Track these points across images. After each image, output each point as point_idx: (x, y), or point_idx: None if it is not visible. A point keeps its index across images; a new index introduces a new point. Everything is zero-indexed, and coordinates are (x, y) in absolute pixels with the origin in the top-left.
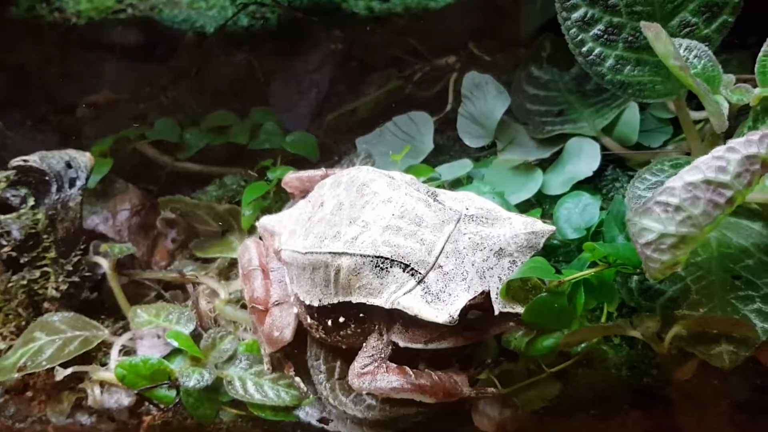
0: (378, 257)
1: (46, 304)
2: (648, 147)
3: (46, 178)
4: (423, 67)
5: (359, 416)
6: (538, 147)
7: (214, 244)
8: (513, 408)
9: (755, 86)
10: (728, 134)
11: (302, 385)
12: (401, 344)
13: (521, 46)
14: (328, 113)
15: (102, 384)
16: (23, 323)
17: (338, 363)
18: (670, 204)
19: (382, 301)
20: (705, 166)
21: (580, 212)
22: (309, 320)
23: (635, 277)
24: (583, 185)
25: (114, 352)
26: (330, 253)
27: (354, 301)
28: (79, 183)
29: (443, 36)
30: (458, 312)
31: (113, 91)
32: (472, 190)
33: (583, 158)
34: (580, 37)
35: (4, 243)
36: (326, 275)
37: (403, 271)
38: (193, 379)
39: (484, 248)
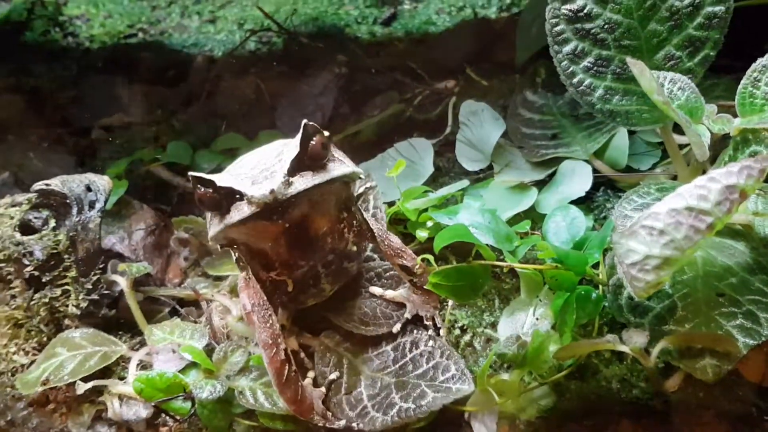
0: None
1: (66, 321)
2: (637, 169)
3: (67, 201)
4: (423, 91)
5: (364, 429)
6: (533, 169)
7: (225, 262)
8: (509, 418)
9: (736, 114)
10: (713, 159)
11: None
12: (209, 237)
13: (517, 71)
14: (333, 135)
15: (121, 397)
16: (45, 339)
17: (344, 379)
18: (655, 228)
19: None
20: (688, 194)
21: (568, 225)
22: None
23: (625, 294)
24: (575, 205)
25: (132, 367)
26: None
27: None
28: (98, 205)
29: (442, 61)
30: (227, 186)
31: (126, 114)
32: (464, 205)
33: (576, 180)
34: (571, 69)
35: (27, 263)
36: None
37: (243, 179)
38: (206, 390)
39: (279, 156)
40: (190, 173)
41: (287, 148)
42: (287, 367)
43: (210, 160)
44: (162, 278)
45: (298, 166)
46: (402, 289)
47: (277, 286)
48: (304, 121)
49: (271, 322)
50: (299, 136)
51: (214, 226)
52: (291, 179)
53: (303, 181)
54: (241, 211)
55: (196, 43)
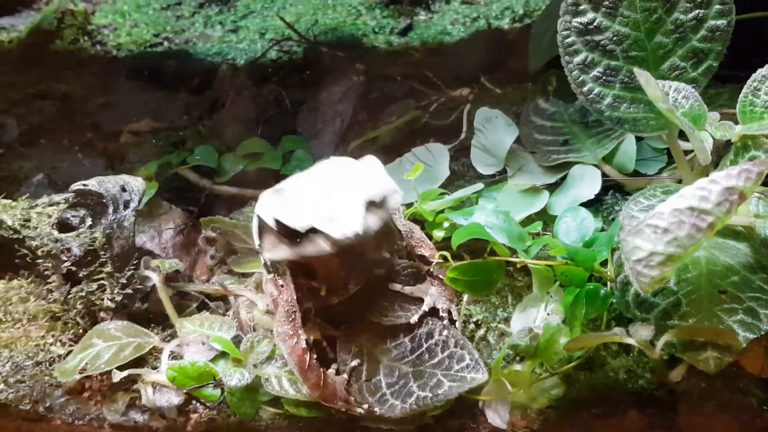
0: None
1: (102, 314)
2: (644, 174)
3: (104, 200)
4: (439, 98)
5: (384, 415)
6: (544, 173)
7: (251, 260)
8: (521, 407)
9: (738, 122)
10: (716, 163)
11: None
12: (268, 256)
13: (529, 80)
14: (352, 141)
15: (154, 385)
16: (81, 331)
17: (364, 366)
18: (659, 226)
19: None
20: (690, 194)
21: (578, 226)
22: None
23: (632, 291)
24: (585, 208)
25: (164, 357)
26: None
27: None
28: (132, 205)
29: (457, 69)
30: (309, 225)
31: (154, 120)
32: (479, 207)
33: (586, 183)
34: (581, 78)
35: (65, 258)
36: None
37: (280, 195)
38: (235, 378)
39: (342, 186)
40: (275, 217)
41: (352, 176)
42: (308, 354)
43: (234, 164)
44: (190, 275)
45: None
46: (419, 284)
47: (311, 291)
48: (371, 157)
49: (294, 317)
50: (363, 167)
51: (278, 250)
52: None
53: (374, 219)
54: (317, 245)
55: (219, 51)
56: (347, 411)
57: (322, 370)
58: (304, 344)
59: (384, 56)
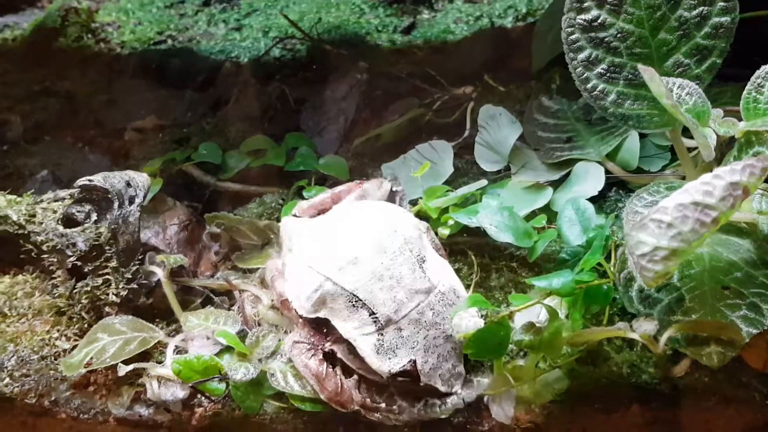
0: (354, 295)
1: (107, 309)
2: (648, 171)
3: (109, 195)
4: (442, 96)
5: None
6: (548, 170)
7: (255, 256)
8: (526, 402)
9: (741, 119)
10: (719, 160)
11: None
12: (339, 356)
13: (533, 78)
14: (355, 138)
15: (159, 379)
16: (86, 326)
17: None
18: (663, 221)
19: (344, 329)
20: (694, 189)
21: (579, 218)
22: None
23: (635, 286)
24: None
25: (169, 351)
26: (319, 273)
27: (322, 316)
28: (137, 200)
29: (461, 68)
30: (396, 370)
31: (158, 117)
32: (483, 204)
33: (589, 180)
34: (585, 75)
35: (70, 254)
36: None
37: (369, 316)
38: (240, 372)
39: (439, 328)
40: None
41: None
42: (324, 364)
43: (239, 160)
44: (194, 271)
45: None
46: None
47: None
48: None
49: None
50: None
51: (370, 358)
52: None
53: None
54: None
55: (222, 50)
56: (365, 416)
57: (338, 377)
58: (321, 356)
59: (387, 54)
